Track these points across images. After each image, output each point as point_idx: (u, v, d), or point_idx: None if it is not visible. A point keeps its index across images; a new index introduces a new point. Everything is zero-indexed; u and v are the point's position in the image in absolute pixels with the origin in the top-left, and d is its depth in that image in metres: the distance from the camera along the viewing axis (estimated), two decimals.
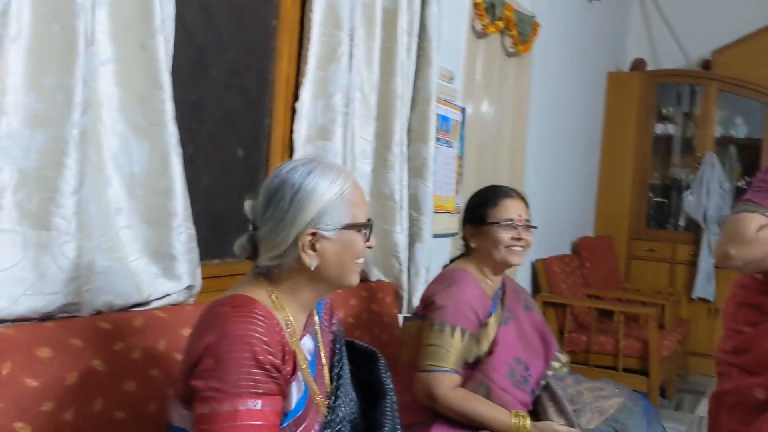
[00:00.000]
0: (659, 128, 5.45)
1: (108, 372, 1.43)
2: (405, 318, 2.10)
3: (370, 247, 1.29)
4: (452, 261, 2.12)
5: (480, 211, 1.99)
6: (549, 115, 4.41)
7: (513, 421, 1.82)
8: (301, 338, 1.25)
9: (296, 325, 1.24)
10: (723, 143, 5.41)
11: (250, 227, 1.25)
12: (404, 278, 2.54)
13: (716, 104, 5.19)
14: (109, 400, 1.42)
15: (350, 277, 1.27)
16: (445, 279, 1.96)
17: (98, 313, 1.51)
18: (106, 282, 1.52)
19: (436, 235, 2.87)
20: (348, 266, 1.25)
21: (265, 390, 1.09)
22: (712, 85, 5.16)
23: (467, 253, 2.07)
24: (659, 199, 5.60)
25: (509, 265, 1.99)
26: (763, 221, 1.70)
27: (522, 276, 4.10)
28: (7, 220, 1.34)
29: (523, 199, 2.02)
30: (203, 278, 1.76)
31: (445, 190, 3.09)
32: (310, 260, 1.20)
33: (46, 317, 1.40)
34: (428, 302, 1.92)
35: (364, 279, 2.45)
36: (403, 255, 2.52)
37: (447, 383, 1.83)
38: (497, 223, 1.95)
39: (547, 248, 4.47)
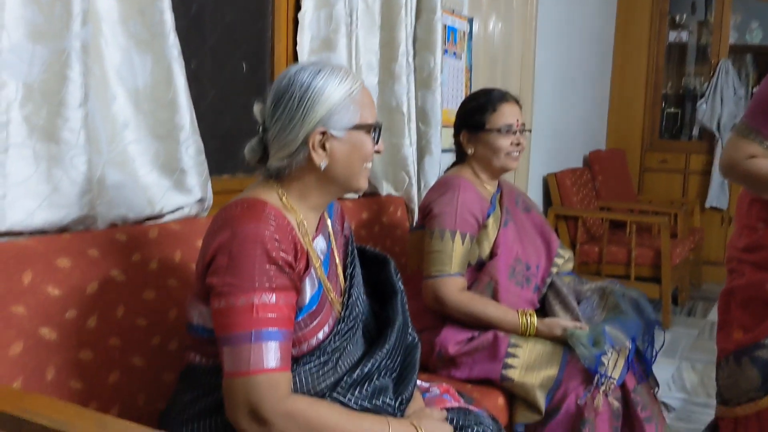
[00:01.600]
0: (672, 36, 5.32)
1: (127, 281, 1.47)
2: (410, 230, 2.13)
3: (378, 152, 1.29)
4: (447, 170, 2.13)
5: (477, 117, 1.97)
6: (559, 26, 4.31)
7: (521, 320, 1.86)
8: (313, 239, 1.27)
9: (308, 226, 1.26)
10: (738, 50, 5.28)
11: (260, 129, 1.26)
12: (414, 192, 2.55)
13: (731, 9, 5.04)
14: (130, 308, 1.47)
15: (359, 179, 1.28)
16: (440, 186, 1.97)
17: (113, 225, 1.54)
18: (118, 196, 1.54)
19: (445, 150, 2.86)
20: (357, 168, 1.26)
21: (278, 285, 1.12)
22: None
23: (461, 159, 2.07)
24: (673, 110, 5.53)
25: (507, 171, 2.02)
26: (755, 150, 1.72)
27: (533, 190, 4.10)
28: (17, 134, 1.35)
29: (517, 102, 2.01)
30: (214, 193, 1.78)
31: (454, 104, 3.06)
32: (320, 159, 1.22)
33: (62, 230, 1.43)
34: (426, 211, 1.95)
35: (375, 193, 2.46)
36: (412, 168, 2.52)
37: (453, 287, 1.87)
38: (497, 130, 1.94)
39: (558, 162, 4.45)
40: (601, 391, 1.75)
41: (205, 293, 1.17)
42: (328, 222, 1.37)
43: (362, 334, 1.38)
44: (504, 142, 1.95)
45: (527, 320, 1.87)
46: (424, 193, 2.64)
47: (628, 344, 1.86)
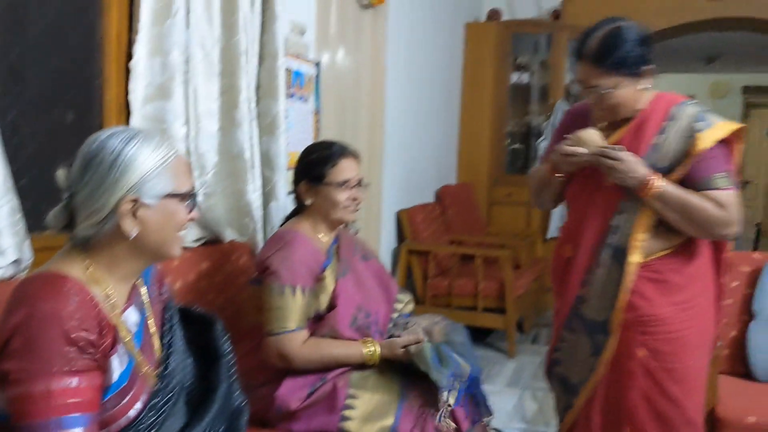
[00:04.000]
0: (515, 77, 5.67)
1: None
2: (249, 282, 2.11)
3: (191, 220, 1.28)
4: (287, 219, 2.15)
5: (317, 169, 2.02)
6: (408, 67, 4.46)
7: (365, 351, 1.92)
8: (123, 311, 1.23)
9: (117, 298, 1.22)
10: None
11: (65, 195, 1.21)
12: (260, 238, 2.53)
13: (566, 53, 5.44)
14: None
15: (171, 247, 1.26)
16: (276, 242, 1.99)
17: None
18: None
19: (291, 193, 2.86)
20: (170, 237, 1.24)
21: (79, 367, 1.07)
22: (562, 34, 5.40)
23: (299, 209, 2.11)
24: (518, 146, 5.87)
25: (344, 223, 2.08)
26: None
27: (386, 226, 4.19)
28: None
29: (357, 156, 2.08)
30: (37, 250, 1.68)
31: (302, 147, 3.06)
32: (130, 228, 1.19)
33: None
34: (263, 267, 1.95)
35: (217, 240, 2.42)
36: (258, 214, 2.50)
37: (297, 341, 1.88)
38: (336, 184, 1.99)
39: (410, 198, 4.58)
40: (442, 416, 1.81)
41: (1, 378, 1.09)
42: (143, 290, 1.33)
43: (186, 401, 1.35)
44: (341, 196, 2.00)
45: (370, 349, 1.93)
46: None
47: (467, 371, 1.93)
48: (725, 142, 1.84)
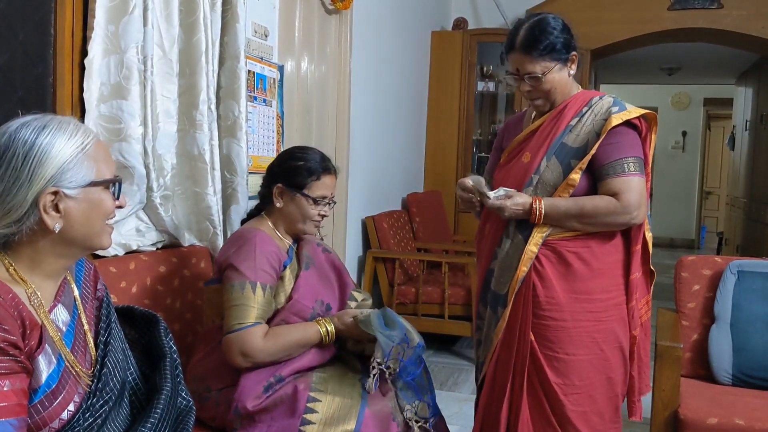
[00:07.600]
0: (482, 86, 5.70)
1: None
2: (205, 283, 2.06)
3: (120, 207, 1.24)
4: (248, 217, 2.12)
5: (299, 178, 1.98)
6: (374, 73, 4.45)
7: (321, 331, 1.91)
8: (51, 309, 1.18)
9: (43, 297, 1.16)
10: None
11: None
12: (220, 242, 2.48)
13: None
14: None
15: (101, 237, 1.21)
16: (237, 240, 1.95)
17: None
18: None
19: (252, 197, 2.82)
20: (97, 227, 1.19)
21: (2, 370, 1.02)
22: None
23: (263, 207, 2.09)
24: (484, 154, 5.89)
25: (305, 234, 2.05)
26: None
27: (352, 233, 4.16)
28: None
29: (337, 174, 2.08)
30: None
31: (265, 150, 3.04)
32: (53, 222, 1.13)
33: None
34: (225, 265, 1.91)
35: (175, 244, 2.36)
36: (217, 218, 2.45)
37: (258, 336, 1.84)
38: (313, 198, 1.97)
39: (377, 205, 4.56)
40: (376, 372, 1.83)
41: None
42: (73, 287, 1.27)
43: (131, 401, 1.30)
44: (314, 211, 2.00)
45: (326, 329, 1.91)
46: None
47: (418, 339, 1.93)
48: (638, 132, 1.94)
